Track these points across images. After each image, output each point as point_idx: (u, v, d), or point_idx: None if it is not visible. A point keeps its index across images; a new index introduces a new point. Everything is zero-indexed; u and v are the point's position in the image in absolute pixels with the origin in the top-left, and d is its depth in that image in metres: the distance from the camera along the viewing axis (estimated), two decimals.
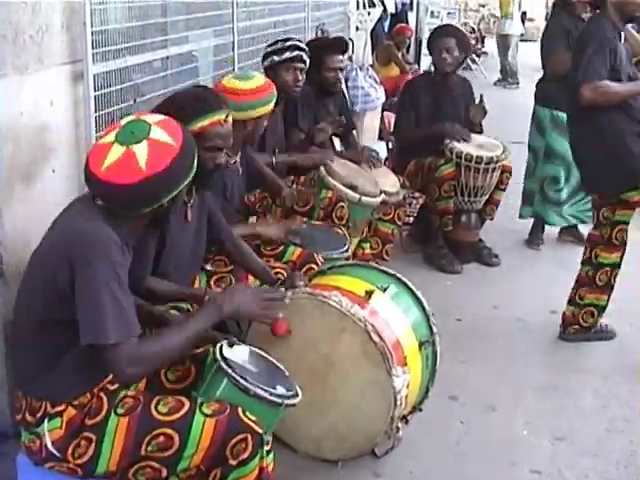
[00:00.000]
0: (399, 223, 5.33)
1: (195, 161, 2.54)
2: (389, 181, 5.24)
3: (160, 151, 2.41)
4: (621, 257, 4.59)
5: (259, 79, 3.98)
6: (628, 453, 3.74)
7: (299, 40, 4.97)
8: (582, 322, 4.73)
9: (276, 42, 4.88)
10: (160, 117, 2.55)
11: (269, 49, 4.83)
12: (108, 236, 2.37)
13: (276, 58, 4.74)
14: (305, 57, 4.81)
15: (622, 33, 4.45)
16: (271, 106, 3.97)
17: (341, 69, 5.37)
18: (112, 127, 2.51)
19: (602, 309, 4.70)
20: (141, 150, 2.38)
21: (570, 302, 4.76)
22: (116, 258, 2.36)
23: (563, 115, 5.96)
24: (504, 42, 15.22)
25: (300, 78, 4.79)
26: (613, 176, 4.40)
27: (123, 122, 2.50)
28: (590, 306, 4.68)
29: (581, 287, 4.70)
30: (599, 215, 4.55)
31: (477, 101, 6.06)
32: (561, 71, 5.82)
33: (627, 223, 4.52)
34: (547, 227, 6.50)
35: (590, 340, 4.76)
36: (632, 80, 4.39)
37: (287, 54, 4.73)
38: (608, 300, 4.68)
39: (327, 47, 5.34)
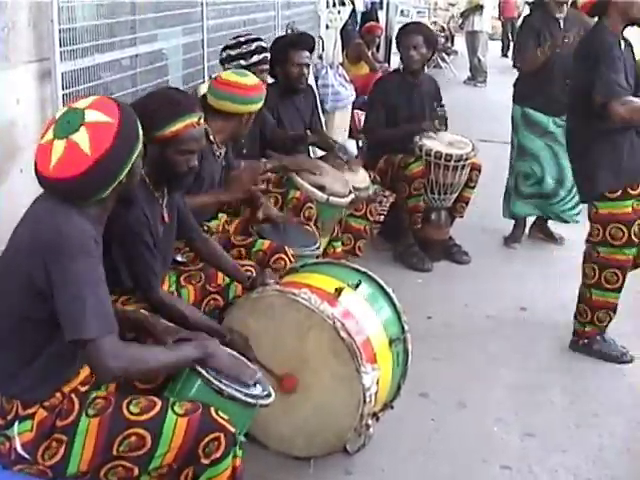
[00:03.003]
0: (371, 219, 5.33)
1: (139, 129, 2.50)
2: (359, 176, 5.24)
3: (100, 131, 2.38)
4: None
5: (254, 77, 4.06)
6: (597, 448, 3.78)
7: (261, 39, 4.87)
8: (597, 322, 4.59)
9: (239, 44, 4.73)
10: (90, 99, 2.51)
11: (233, 52, 4.70)
12: (83, 230, 2.36)
13: (243, 62, 4.63)
14: (268, 57, 4.77)
15: (621, 40, 4.34)
16: (262, 104, 4.06)
17: (307, 65, 5.30)
18: (49, 124, 2.48)
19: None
20: (81, 137, 2.36)
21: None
22: (93, 252, 2.35)
23: (534, 113, 6.03)
24: (473, 39, 15.26)
25: (265, 80, 4.75)
26: (600, 178, 4.33)
27: (57, 116, 2.48)
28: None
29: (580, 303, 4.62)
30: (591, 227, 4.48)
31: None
32: (530, 68, 5.89)
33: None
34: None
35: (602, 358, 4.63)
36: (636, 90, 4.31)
37: (255, 58, 4.66)
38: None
39: (292, 43, 5.29)
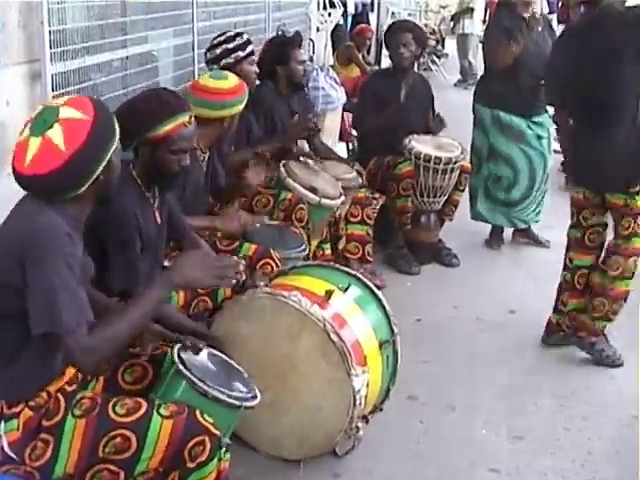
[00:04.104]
0: (370, 222, 5.34)
1: (115, 126, 2.52)
2: (342, 168, 5.27)
3: (74, 128, 2.40)
4: (597, 259, 4.56)
5: (234, 78, 4.04)
6: (585, 451, 3.78)
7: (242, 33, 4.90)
8: (565, 329, 4.69)
9: (231, 37, 4.71)
10: (67, 98, 2.56)
11: (230, 45, 4.67)
12: (57, 226, 2.36)
13: (241, 53, 4.64)
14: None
15: None
16: (243, 105, 4.03)
17: (305, 61, 5.40)
18: (27, 122, 2.50)
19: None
20: (56, 133, 2.39)
21: (555, 310, 4.72)
22: (66, 249, 2.35)
23: (505, 115, 6.00)
24: (464, 42, 15.29)
25: (256, 70, 4.79)
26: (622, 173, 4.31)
27: (34, 114, 2.50)
28: (573, 311, 4.63)
29: (563, 292, 4.66)
30: (578, 217, 4.52)
31: (435, 115, 6.07)
32: (503, 65, 5.83)
33: (602, 225, 4.53)
34: (506, 228, 6.54)
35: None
36: None
37: (249, 48, 4.68)
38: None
39: (291, 42, 5.37)
